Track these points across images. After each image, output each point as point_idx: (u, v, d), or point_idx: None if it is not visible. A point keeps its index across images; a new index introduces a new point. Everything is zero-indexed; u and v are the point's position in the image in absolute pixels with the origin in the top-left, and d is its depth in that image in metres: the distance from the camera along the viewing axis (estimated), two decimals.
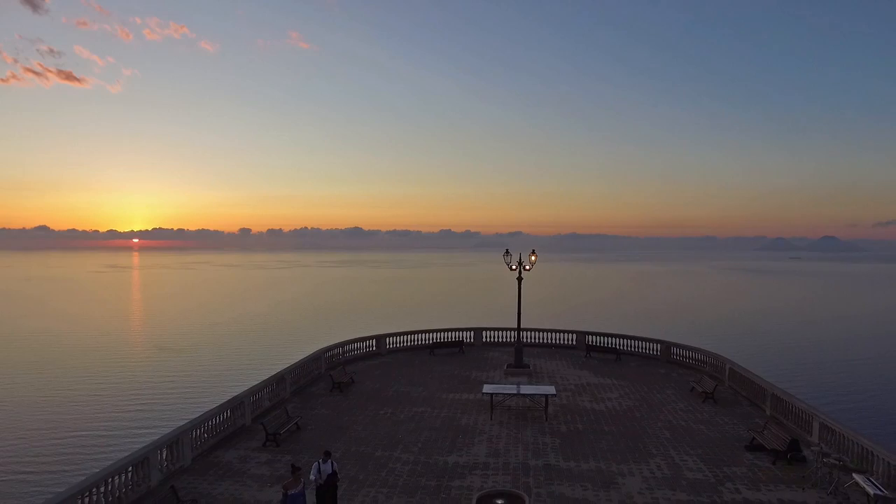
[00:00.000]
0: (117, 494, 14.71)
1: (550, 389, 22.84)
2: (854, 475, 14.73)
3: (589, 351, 33.78)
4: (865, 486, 13.90)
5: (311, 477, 14.07)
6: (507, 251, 29.85)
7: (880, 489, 13.70)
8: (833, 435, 18.31)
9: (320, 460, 14.42)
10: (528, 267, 29.69)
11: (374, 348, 33.64)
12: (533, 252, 29.86)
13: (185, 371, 49.71)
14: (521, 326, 31.19)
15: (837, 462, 15.83)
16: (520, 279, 29.95)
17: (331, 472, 14.25)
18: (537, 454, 18.55)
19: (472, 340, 36.19)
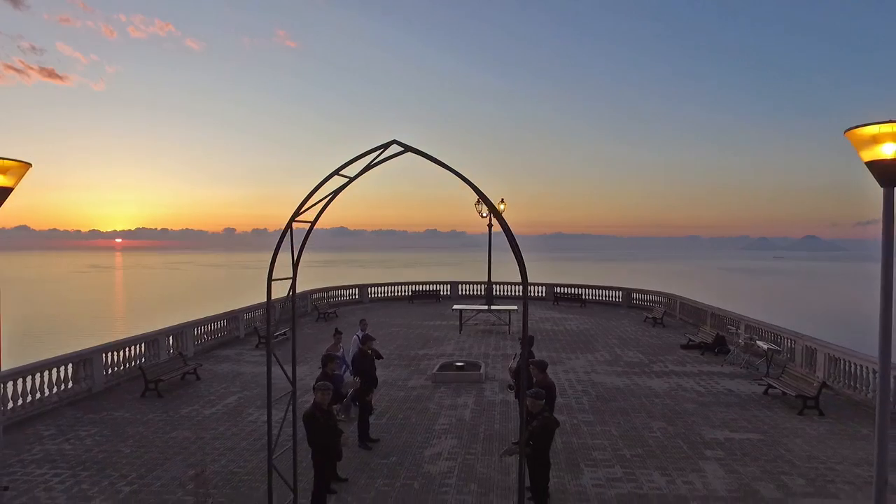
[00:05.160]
0: (134, 364, 17.15)
1: (514, 307, 25.61)
2: (757, 342, 17.57)
3: (557, 299, 36.61)
4: (762, 344, 16.74)
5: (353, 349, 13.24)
6: (478, 200, 32.49)
7: (771, 345, 16.55)
8: (754, 330, 21.15)
9: (358, 331, 14.27)
10: None
11: (357, 296, 36.22)
12: (502, 200, 32.60)
13: None
14: (493, 280, 34.22)
15: (749, 339, 18.65)
16: (490, 226, 32.67)
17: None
18: (497, 349, 21.28)
19: (448, 293, 38.84)
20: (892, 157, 4.51)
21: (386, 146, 5.37)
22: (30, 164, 5.95)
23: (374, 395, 12.45)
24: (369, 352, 11.96)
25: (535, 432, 7.62)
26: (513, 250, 5.83)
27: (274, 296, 6.08)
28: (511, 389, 11.43)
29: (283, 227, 5.58)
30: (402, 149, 5.48)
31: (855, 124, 4.72)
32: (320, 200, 5.62)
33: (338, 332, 13.80)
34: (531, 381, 9.21)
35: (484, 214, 32.59)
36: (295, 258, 5.71)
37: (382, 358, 13.98)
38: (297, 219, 5.46)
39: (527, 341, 9.69)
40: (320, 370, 10.34)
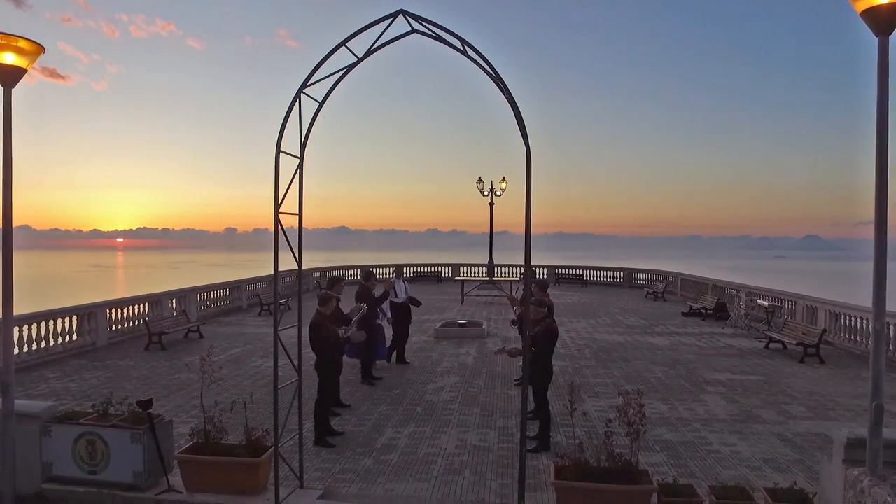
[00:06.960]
0: (137, 322, 17.25)
1: (516, 278, 25.72)
2: (757, 300, 17.66)
3: (558, 280, 36.72)
4: (761, 302, 16.84)
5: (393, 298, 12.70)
6: (479, 179, 32.57)
7: (773, 303, 16.65)
8: (756, 295, 21.22)
9: (392, 277, 13.56)
10: (499, 193, 32.51)
11: (358, 277, 36.34)
12: (503, 179, 32.69)
13: None
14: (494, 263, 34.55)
15: (749, 300, 18.74)
16: (491, 204, 32.79)
17: (406, 293, 13.14)
18: (500, 315, 21.37)
19: (449, 274, 38.97)
20: (888, 3, 4.59)
21: (392, 17, 5.41)
22: (43, 49, 6.03)
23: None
24: (373, 289, 12.08)
25: (538, 336, 7.72)
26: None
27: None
28: (514, 325, 11.50)
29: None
30: (409, 28, 5.51)
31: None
32: (329, 76, 5.69)
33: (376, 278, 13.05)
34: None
35: (485, 192, 32.69)
36: (303, 137, 5.78)
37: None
38: (304, 90, 5.54)
39: (529, 273, 9.76)
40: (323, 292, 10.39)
